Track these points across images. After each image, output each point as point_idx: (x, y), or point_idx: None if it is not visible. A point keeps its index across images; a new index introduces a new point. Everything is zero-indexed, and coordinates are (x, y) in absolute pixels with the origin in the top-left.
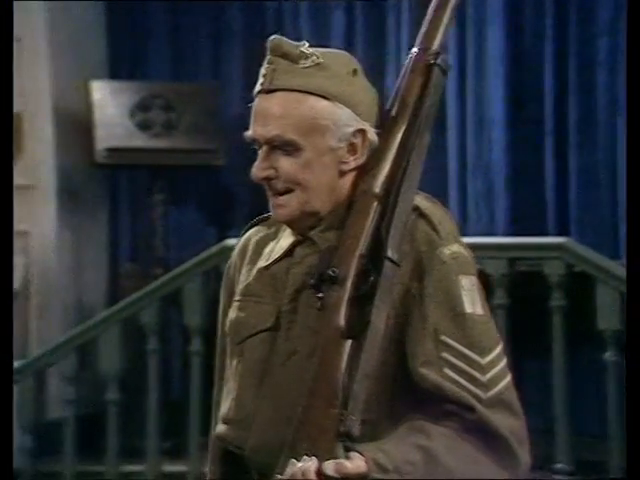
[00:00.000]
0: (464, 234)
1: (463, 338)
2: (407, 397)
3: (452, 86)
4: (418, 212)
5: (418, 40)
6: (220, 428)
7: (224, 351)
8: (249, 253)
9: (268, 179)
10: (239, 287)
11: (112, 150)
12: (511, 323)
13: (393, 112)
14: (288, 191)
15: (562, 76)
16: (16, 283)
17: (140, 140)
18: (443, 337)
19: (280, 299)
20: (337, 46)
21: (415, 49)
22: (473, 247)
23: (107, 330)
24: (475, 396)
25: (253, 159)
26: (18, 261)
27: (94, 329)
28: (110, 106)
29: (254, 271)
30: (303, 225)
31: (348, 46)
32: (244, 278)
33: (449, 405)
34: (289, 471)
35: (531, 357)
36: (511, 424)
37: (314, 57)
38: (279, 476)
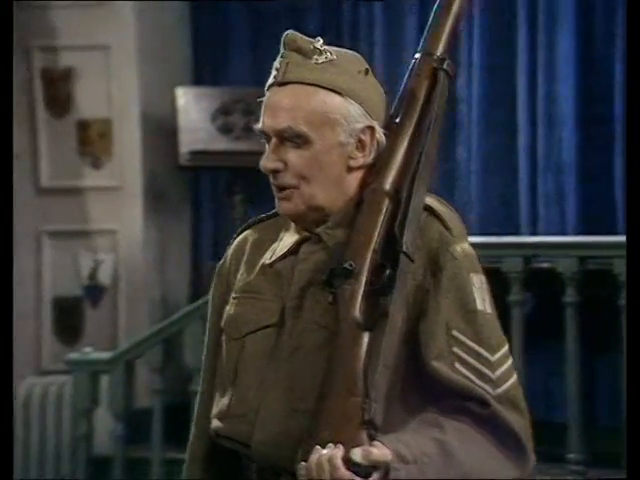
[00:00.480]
0: (535, 233)
1: (474, 334)
2: (418, 389)
3: (523, 87)
4: (430, 211)
5: (422, 44)
6: (217, 424)
7: (214, 350)
8: (246, 253)
9: (276, 171)
10: (237, 285)
11: (195, 153)
12: (581, 321)
13: (400, 114)
14: (294, 186)
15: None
16: (106, 279)
17: (221, 143)
18: (455, 332)
19: (284, 296)
20: (410, 49)
21: (418, 54)
22: (544, 246)
23: (190, 324)
24: (485, 391)
25: None
26: (107, 258)
27: (178, 323)
28: (193, 111)
29: (255, 269)
30: (308, 220)
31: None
32: (242, 277)
33: (462, 399)
34: (313, 458)
35: (601, 355)
36: (518, 421)
37: (327, 54)
38: (303, 463)
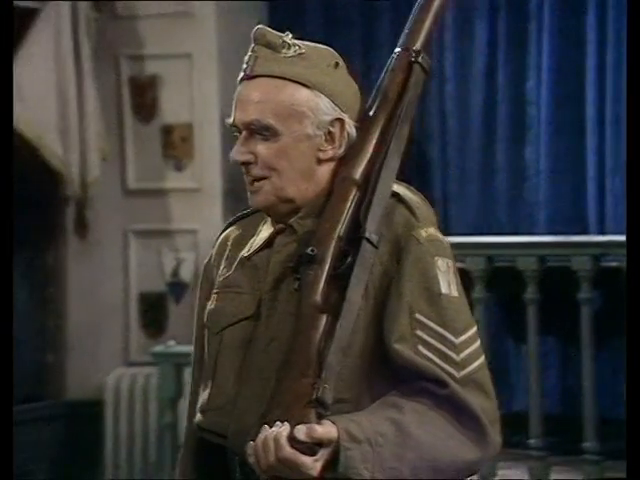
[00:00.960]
0: (603, 232)
1: (437, 317)
2: (385, 375)
3: (591, 88)
4: (397, 198)
5: (401, 40)
6: (199, 418)
7: (200, 345)
8: (228, 249)
9: (246, 163)
10: (218, 281)
11: None
12: None
13: (375, 106)
14: (264, 177)
15: None
16: (187, 277)
17: None
18: (418, 315)
19: (261, 288)
20: (480, 53)
21: (398, 49)
22: (612, 245)
23: None
24: (448, 374)
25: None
26: (188, 257)
27: None
28: None
29: (234, 264)
30: (279, 211)
31: (490, 53)
32: (223, 272)
33: (422, 381)
34: (261, 436)
35: None
36: (482, 403)
37: (296, 47)
38: (251, 443)
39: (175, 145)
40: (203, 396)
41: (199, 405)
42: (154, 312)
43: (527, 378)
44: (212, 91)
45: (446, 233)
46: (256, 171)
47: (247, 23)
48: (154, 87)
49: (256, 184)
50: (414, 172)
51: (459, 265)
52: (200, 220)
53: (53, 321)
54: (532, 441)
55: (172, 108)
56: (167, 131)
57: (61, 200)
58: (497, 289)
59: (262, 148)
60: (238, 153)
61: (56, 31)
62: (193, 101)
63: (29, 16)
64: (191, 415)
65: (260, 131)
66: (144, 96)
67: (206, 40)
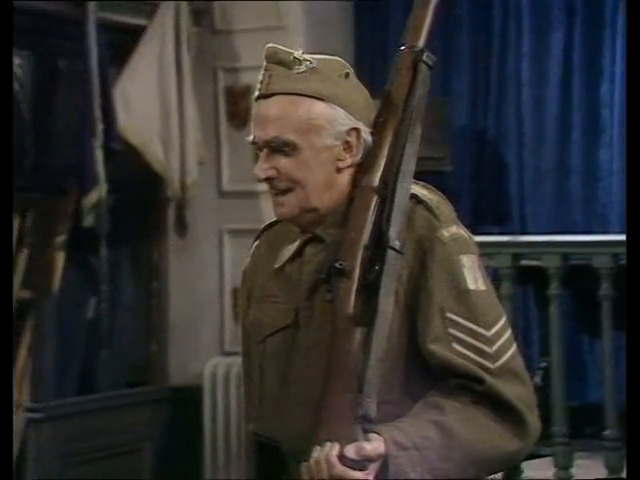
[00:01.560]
0: None
1: (468, 313)
2: (422, 374)
3: None
4: (416, 199)
5: (403, 40)
6: (253, 424)
7: (247, 352)
8: (262, 256)
9: (269, 179)
10: (256, 289)
11: None
12: None
13: (384, 110)
14: (288, 190)
15: None
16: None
17: None
18: (449, 314)
19: (297, 297)
20: (556, 58)
21: (402, 48)
22: None
23: None
24: (484, 368)
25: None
26: None
27: None
28: None
29: (269, 274)
30: (304, 221)
31: (566, 58)
32: (261, 280)
33: (459, 379)
34: (314, 457)
35: None
36: (519, 391)
37: (307, 62)
38: (305, 463)
39: None
40: (254, 404)
41: (253, 413)
42: None
43: (602, 371)
44: None
45: (522, 232)
46: (281, 185)
47: (334, 35)
48: (247, 96)
49: (280, 197)
50: (492, 173)
51: (536, 263)
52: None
53: (156, 313)
54: (607, 432)
55: None
56: (255, 143)
57: (163, 201)
58: (572, 286)
59: (284, 163)
60: (261, 170)
61: (160, 46)
62: None
63: (137, 32)
64: (247, 419)
65: (281, 147)
66: (238, 105)
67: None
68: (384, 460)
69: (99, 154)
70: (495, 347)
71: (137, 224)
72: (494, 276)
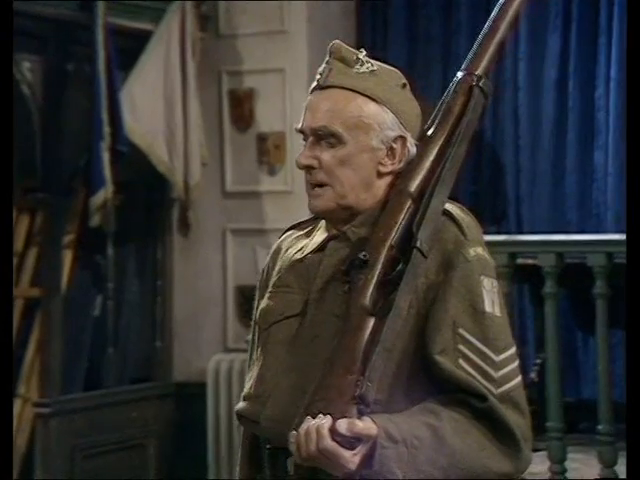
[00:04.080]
0: None
1: (480, 334)
2: (421, 383)
3: None
4: (449, 216)
5: (464, 65)
6: (238, 406)
7: (253, 342)
8: (282, 253)
9: (310, 168)
10: (272, 281)
11: None
12: None
13: (435, 125)
14: (325, 184)
15: None
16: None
17: None
18: (461, 330)
19: (309, 288)
20: (552, 63)
21: (460, 73)
22: None
23: None
24: (486, 389)
25: (475, 167)
26: None
27: None
28: None
29: (289, 265)
30: (337, 218)
31: (562, 63)
32: (277, 273)
33: (461, 393)
34: (304, 426)
35: None
36: (518, 421)
37: (369, 64)
38: (294, 432)
39: (269, 152)
40: (246, 386)
41: (242, 394)
42: (249, 304)
43: (596, 368)
44: (303, 102)
45: (518, 231)
46: (319, 177)
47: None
48: (251, 99)
49: (317, 189)
50: (489, 175)
51: (532, 262)
52: (291, 220)
53: (161, 311)
54: (601, 427)
55: (266, 118)
56: (262, 139)
57: (167, 202)
58: (567, 284)
59: (327, 155)
60: (304, 157)
61: (166, 50)
62: (285, 112)
63: (144, 37)
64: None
65: (326, 138)
66: (242, 108)
67: (298, 56)
68: (371, 448)
69: (106, 156)
70: (501, 373)
71: (142, 224)
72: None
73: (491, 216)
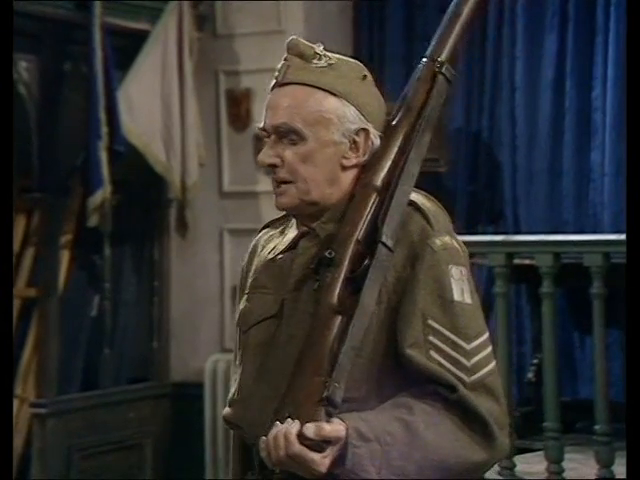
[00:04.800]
0: None
1: (450, 324)
2: (394, 377)
3: None
4: (414, 206)
5: (427, 51)
6: (225, 410)
7: (236, 344)
8: (258, 251)
9: (273, 166)
10: (248, 282)
11: None
12: None
13: (398, 115)
14: (290, 181)
15: None
16: None
17: None
18: (430, 321)
19: (284, 289)
20: (549, 63)
21: (424, 59)
22: None
23: None
24: (458, 378)
25: (472, 167)
26: None
27: None
28: None
29: (263, 265)
30: (303, 213)
31: (559, 63)
32: (253, 274)
33: (433, 385)
34: (273, 432)
35: None
36: (491, 408)
37: (327, 58)
38: (263, 437)
39: None
40: (230, 391)
41: (227, 399)
42: None
43: (592, 367)
44: None
45: (516, 231)
46: (282, 174)
47: (333, 40)
48: (248, 99)
49: (282, 186)
50: (486, 174)
51: (529, 262)
52: None
53: (158, 311)
54: (598, 427)
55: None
56: (259, 139)
57: (164, 202)
58: (564, 284)
59: (289, 153)
60: (265, 156)
61: (163, 49)
62: None
63: (141, 36)
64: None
65: (288, 135)
66: (239, 108)
67: None
68: (343, 448)
69: (103, 156)
70: (473, 361)
71: (140, 224)
72: (488, 275)
73: (488, 216)
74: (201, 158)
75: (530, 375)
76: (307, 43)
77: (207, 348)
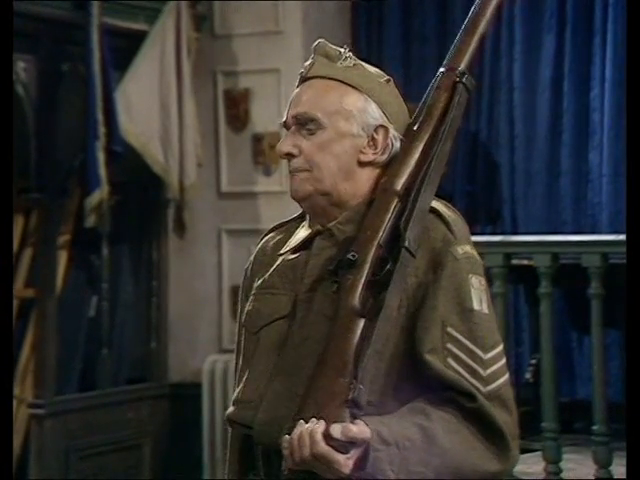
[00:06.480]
0: None
1: (468, 332)
2: (411, 382)
3: None
4: (436, 214)
5: (446, 60)
6: (229, 410)
7: (240, 347)
8: (267, 254)
9: (290, 155)
10: (256, 283)
11: None
12: None
13: (419, 122)
14: (306, 169)
15: None
16: None
17: None
18: (450, 329)
19: (297, 289)
20: (548, 63)
21: (442, 68)
22: None
23: None
24: (475, 388)
25: (470, 167)
26: None
27: None
28: None
29: (271, 267)
30: (316, 204)
31: (557, 63)
32: (260, 276)
33: (451, 392)
34: (297, 431)
35: None
36: (505, 418)
37: (353, 60)
38: (287, 436)
39: (264, 152)
40: (236, 391)
41: (232, 398)
42: None
43: (591, 368)
44: None
45: (514, 232)
46: (298, 163)
47: (331, 41)
48: (246, 100)
49: (298, 176)
50: (484, 175)
51: (527, 262)
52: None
53: (156, 311)
54: (596, 427)
55: (262, 119)
56: (257, 140)
57: (162, 202)
58: (562, 285)
59: (307, 143)
60: (284, 144)
61: (161, 50)
62: (281, 112)
63: (139, 37)
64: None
65: (307, 124)
66: (237, 108)
67: (293, 56)
68: (364, 451)
69: (101, 156)
70: (489, 371)
71: (138, 224)
72: (486, 275)
73: (486, 216)
74: (199, 158)
75: (528, 375)
76: (334, 47)
77: (205, 348)
